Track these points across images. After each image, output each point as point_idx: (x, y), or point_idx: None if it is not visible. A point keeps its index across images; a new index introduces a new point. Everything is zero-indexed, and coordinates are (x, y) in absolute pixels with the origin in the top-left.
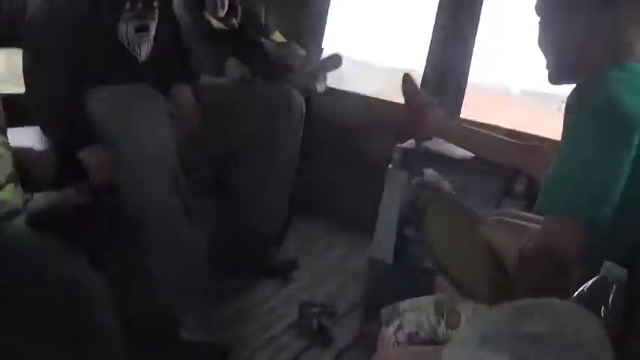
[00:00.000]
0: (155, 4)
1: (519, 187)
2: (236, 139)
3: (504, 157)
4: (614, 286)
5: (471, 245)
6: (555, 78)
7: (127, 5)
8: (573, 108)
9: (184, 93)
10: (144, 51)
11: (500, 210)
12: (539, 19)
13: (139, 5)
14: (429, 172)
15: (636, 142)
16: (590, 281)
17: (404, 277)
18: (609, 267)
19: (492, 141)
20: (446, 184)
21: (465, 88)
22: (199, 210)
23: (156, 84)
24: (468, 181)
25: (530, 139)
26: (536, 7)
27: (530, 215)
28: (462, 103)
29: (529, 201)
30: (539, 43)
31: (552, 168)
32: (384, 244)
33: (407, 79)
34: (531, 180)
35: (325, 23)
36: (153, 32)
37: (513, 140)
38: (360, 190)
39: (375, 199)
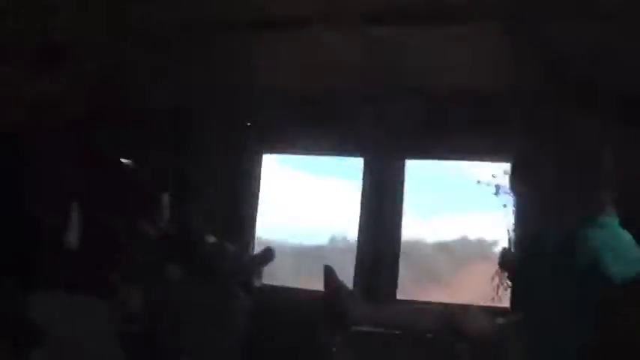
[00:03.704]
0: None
1: (461, 351)
2: (182, 339)
3: (431, 325)
4: None
5: None
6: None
7: None
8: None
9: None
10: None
11: None
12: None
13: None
14: None
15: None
16: None
17: None
18: None
19: (416, 313)
20: None
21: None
22: None
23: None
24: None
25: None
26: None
27: None
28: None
29: None
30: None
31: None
32: None
33: (328, 270)
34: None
35: (255, 219)
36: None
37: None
38: None
39: None
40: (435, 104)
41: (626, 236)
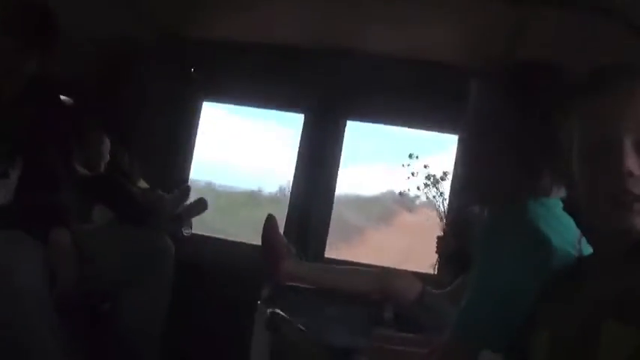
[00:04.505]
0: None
1: (389, 314)
2: (109, 283)
3: (361, 287)
4: None
5: None
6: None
7: None
8: (488, 240)
9: (62, 241)
10: (1, 196)
11: (380, 334)
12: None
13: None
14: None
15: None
16: None
17: None
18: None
19: (348, 274)
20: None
21: (328, 224)
22: (77, 351)
23: (29, 230)
24: (337, 314)
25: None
26: (461, 140)
27: (408, 337)
28: (325, 240)
29: (399, 326)
30: (464, 165)
31: (468, 297)
32: None
33: (269, 220)
34: (398, 305)
35: (190, 164)
36: (14, 181)
37: (369, 269)
38: (232, 333)
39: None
40: (387, 68)
41: (568, 219)
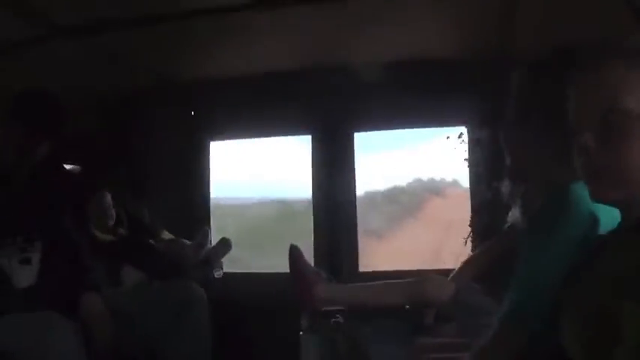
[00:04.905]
0: (35, 236)
1: (428, 320)
2: (146, 341)
3: (394, 300)
4: None
5: None
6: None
7: (8, 240)
8: (536, 225)
9: (93, 305)
10: (24, 281)
11: (419, 345)
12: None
13: (19, 240)
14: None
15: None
16: None
17: None
18: None
19: (379, 290)
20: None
21: (356, 235)
22: None
23: (58, 308)
24: (378, 328)
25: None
26: (504, 141)
27: (447, 342)
28: (357, 251)
29: (441, 331)
30: (512, 168)
31: (520, 283)
32: None
33: (293, 251)
34: (436, 308)
35: (209, 207)
36: (37, 263)
37: (399, 280)
38: None
39: None
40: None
41: None
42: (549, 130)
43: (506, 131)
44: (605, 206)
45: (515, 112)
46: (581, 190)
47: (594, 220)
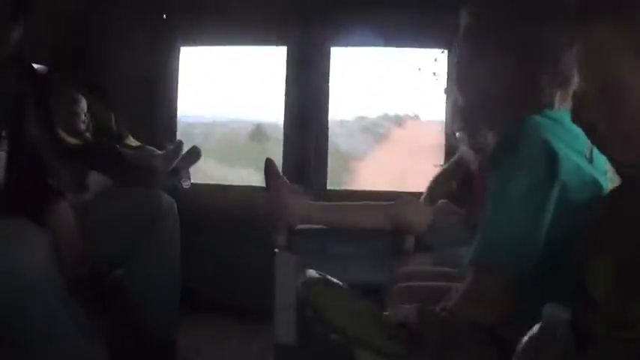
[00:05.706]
0: (3, 133)
1: (409, 245)
2: (116, 250)
3: (374, 222)
4: (560, 329)
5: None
6: (474, 124)
7: None
8: (495, 159)
9: (62, 214)
10: None
11: (403, 271)
12: (458, 69)
13: None
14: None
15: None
16: (535, 328)
17: (313, 357)
18: (551, 310)
19: (360, 211)
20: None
21: (327, 154)
22: (95, 326)
23: (24, 213)
24: (356, 251)
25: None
26: (458, 62)
27: (432, 270)
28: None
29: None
30: (460, 89)
31: (484, 223)
32: (286, 328)
33: (269, 164)
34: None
35: (176, 115)
36: (3, 162)
37: (379, 203)
38: (249, 277)
39: (267, 285)
40: None
41: (578, 129)
42: (511, 59)
43: (463, 63)
44: (562, 136)
45: (475, 41)
46: (540, 121)
47: (552, 152)
